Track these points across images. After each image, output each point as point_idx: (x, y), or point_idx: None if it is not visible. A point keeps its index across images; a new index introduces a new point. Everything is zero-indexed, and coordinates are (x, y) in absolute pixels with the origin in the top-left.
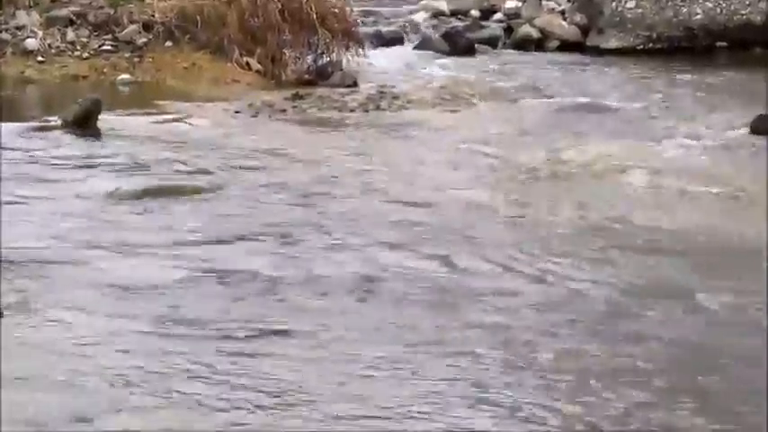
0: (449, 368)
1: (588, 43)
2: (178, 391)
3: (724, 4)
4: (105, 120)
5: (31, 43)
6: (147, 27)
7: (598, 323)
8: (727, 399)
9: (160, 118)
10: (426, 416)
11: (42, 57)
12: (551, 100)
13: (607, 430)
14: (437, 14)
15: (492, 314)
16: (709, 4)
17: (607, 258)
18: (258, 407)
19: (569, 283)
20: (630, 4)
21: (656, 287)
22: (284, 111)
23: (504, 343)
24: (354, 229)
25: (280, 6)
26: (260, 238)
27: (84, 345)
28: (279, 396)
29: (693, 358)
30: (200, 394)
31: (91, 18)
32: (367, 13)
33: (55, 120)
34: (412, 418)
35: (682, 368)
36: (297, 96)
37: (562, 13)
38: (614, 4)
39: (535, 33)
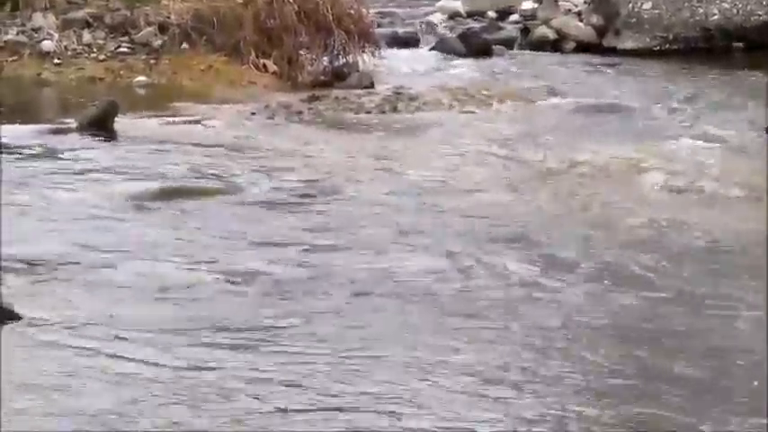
0: None
1: (605, 44)
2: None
3: (741, 5)
4: (122, 122)
5: (48, 45)
6: (163, 29)
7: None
8: None
9: (176, 120)
10: None
11: (59, 59)
12: (568, 101)
13: None
14: (453, 15)
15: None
16: (726, 5)
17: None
18: None
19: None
20: (647, 5)
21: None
22: (301, 112)
23: None
24: (375, 231)
25: (296, 8)
26: (279, 240)
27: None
28: None
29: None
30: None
31: (107, 20)
32: (383, 14)
33: (71, 122)
34: None
35: None
36: (313, 98)
37: (578, 14)
38: (631, 5)
39: (551, 34)
